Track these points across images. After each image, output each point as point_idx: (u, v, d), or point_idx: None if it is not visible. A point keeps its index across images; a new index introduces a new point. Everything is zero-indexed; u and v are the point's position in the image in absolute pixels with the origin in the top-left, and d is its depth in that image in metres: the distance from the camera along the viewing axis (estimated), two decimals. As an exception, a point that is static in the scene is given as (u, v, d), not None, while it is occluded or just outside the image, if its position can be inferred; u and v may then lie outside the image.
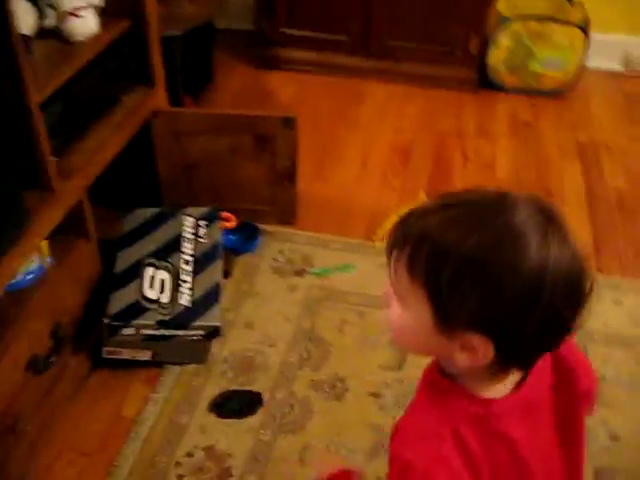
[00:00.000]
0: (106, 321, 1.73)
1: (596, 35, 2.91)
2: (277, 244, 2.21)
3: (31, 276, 1.67)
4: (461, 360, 0.77)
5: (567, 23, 2.85)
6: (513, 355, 0.77)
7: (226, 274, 2.07)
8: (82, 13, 1.76)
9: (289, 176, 2.12)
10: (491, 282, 0.71)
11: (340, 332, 1.96)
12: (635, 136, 2.81)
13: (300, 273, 2.12)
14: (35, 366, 1.62)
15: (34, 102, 1.53)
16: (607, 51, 3.10)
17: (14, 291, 1.64)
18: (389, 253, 0.78)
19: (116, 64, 1.88)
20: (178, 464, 1.64)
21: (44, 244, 1.70)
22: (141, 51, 1.95)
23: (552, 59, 2.91)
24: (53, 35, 1.76)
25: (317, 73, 3.06)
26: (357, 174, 2.55)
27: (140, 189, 2.10)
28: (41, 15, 1.75)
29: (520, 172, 2.59)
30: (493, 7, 2.91)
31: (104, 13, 1.83)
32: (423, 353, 0.85)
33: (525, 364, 0.80)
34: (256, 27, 3.08)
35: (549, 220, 0.73)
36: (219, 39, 3.10)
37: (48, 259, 1.72)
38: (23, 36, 1.55)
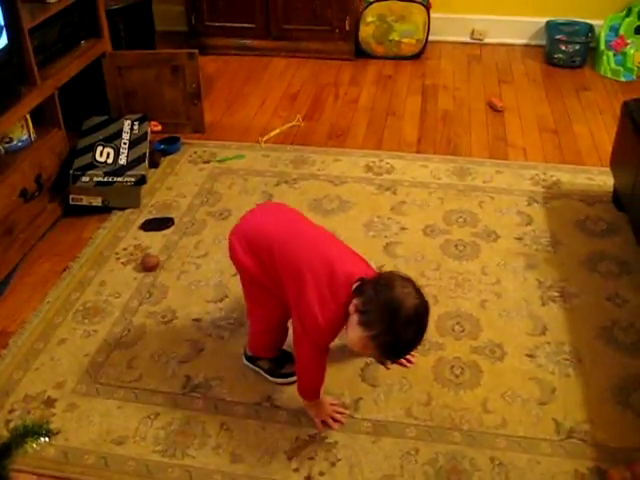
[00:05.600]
0: (71, 172, 2.70)
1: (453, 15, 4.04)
2: (192, 147, 3.20)
3: (21, 144, 2.65)
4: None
5: (415, 2, 3.92)
6: None
7: (156, 165, 3.04)
8: (51, -15, 2.79)
9: (197, 95, 3.12)
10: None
11: (229, 188, 2.92)
12: (467, 79, 3.82)
13: (207, 161, 3.09)
14: (25, 195, 2.58)
15: (25, 29, 2.54)
16: (460, 27, 4.19)
17: (11, 151, 2.62)
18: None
19: (76, 19, 2.90)
20: (118, 253, 2.58)
21: (31, 125, 2.68)
22: (93, 13, 2.98)
23: (406, 31, 3.95)
24: (35, -1, 2.79)
25: (233, 54, 4.12)
26: (255, 111, 3.55)
27: (95, 108, 3.08)
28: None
29: (376, 102, 3.60)
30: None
31: (67, -13, 2.88)
32: None
33: None
34: (188, 25, 4.12)
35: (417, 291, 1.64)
36: (162, 38, 4.16)
37: (33, 136, 2.69)
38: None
